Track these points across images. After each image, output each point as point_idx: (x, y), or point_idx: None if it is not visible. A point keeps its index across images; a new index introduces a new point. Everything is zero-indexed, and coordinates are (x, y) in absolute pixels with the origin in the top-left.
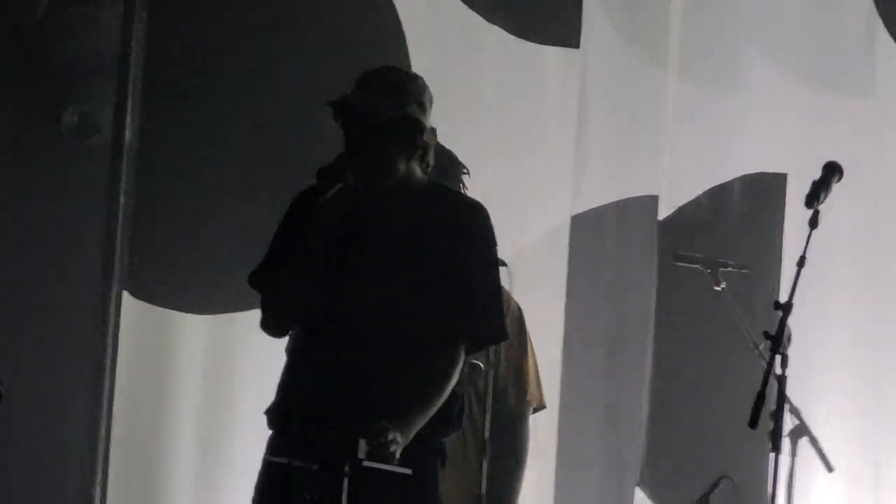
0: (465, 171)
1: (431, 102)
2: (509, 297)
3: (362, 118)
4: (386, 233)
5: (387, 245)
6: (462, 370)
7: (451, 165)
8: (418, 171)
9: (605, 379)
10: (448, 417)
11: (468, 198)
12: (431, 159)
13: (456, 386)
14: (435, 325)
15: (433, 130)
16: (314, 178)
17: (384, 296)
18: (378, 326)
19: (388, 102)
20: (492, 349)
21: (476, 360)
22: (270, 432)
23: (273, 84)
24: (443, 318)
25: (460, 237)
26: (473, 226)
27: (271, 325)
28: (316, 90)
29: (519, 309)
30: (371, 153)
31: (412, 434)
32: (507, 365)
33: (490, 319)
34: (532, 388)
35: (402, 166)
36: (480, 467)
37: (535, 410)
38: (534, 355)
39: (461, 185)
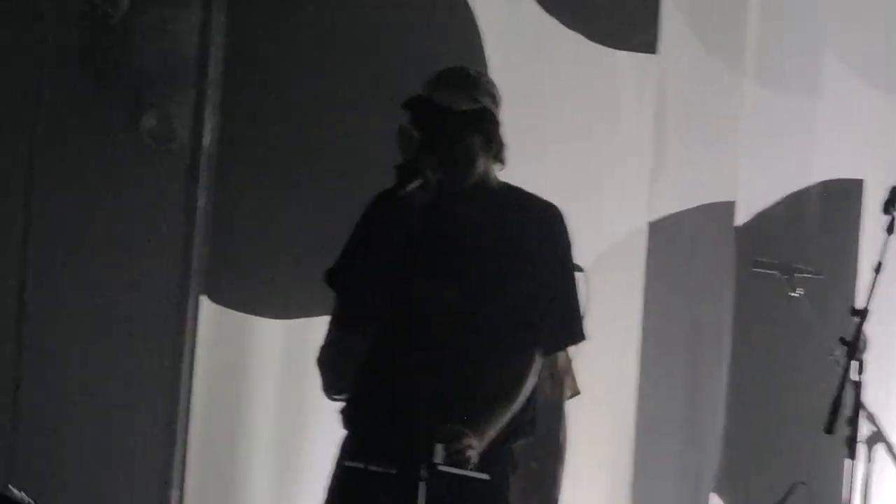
0: None
1: (501, 101)
2: None
3: (439, 111)
4: (463, 233)
5: (463, 246)
6: (539, 373)
7: None
8: (494, 171)
9: (682, 385)
10: (520, 423)
11: (544, 200)
12: (505, 158)
13: (531, 391)
14: (512, 328)
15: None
16: (393, 175)
17: (461, 297)
18: (454, 328)
19: (464, 95)
20: None
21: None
22: (344, 434)
23: (352, 87)
24: (520, 321)
25: (537, 239)
26: (550, 227)
27: (345, 323)
28: (395, 94)
29: None
30: (450, 147)
31: (489, 439)
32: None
33: (567, 321)
34: (566, 380)
35: (480, 162)
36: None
37: (569, 397)
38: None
39: None
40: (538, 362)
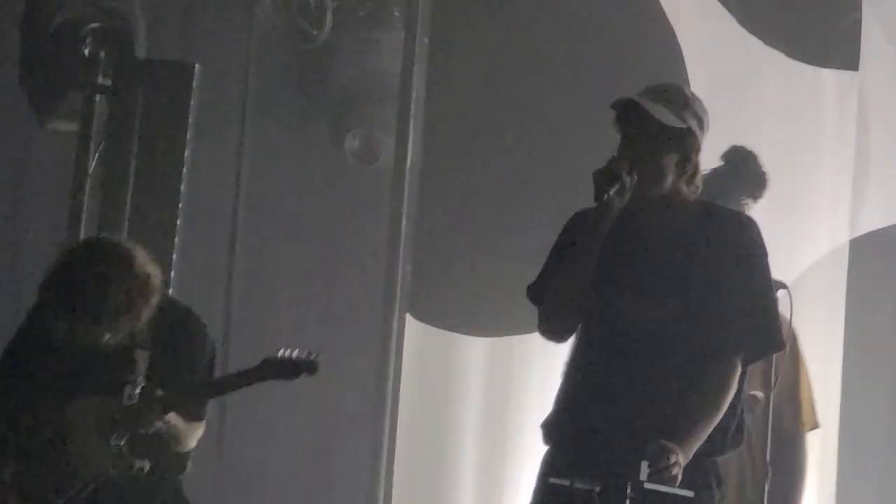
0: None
1: (708, 128)
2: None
3: (645, 121)
4: (658, 241)
5: (659, 254)
6: (741, 384)
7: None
8: (686, 191)
9: (886, 401)
10: (724, 435)
11: (739, 212)
12: (699, 183)
13: (734, 401)
14: (710, 337)
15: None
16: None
17: (658, 307)
18: (653, 338)
19: (673, 112)
20: (771, 374)
21: (754, 391)
22: (546, 450)
23: (554, 103)
24: (718, 329)
25: (734, 249)
26: (746, 238)
27: (550, 331)
28: (597, 109)
29: (793, 331)
30: (647, 157)
31: (693, 452)
32: (782, 388)
33: (766, 329)
34: (807, 411)
35: (670, 179)
36: (762, 490)
37: (809, 429)
38: (808, 377)
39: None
40: (739, 370)
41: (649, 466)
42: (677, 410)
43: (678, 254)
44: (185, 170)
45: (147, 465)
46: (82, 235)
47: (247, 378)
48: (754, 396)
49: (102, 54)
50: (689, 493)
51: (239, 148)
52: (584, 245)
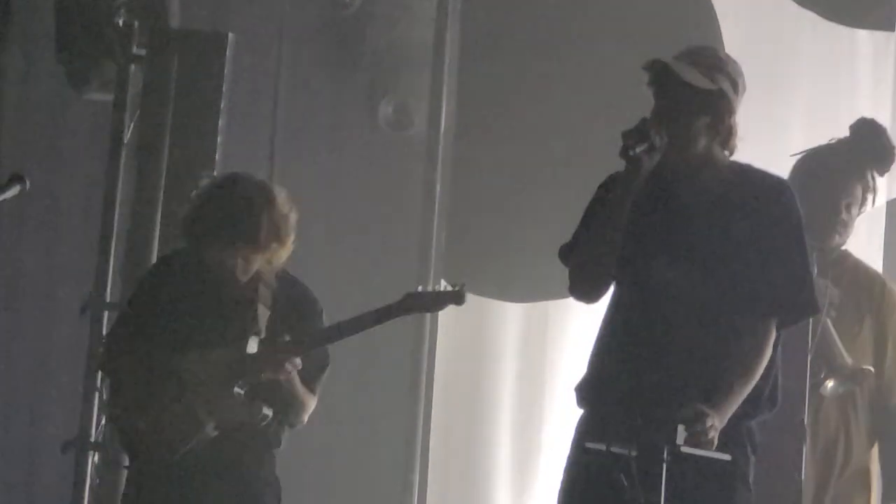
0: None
1: (744, 90)
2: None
3: (678, 84)
4: (691, 204)
5: (692, 217)
6: (775, 348)
7: None
8: (718, 153)
9: None
10: (758, 398)
11: (773, 174)
12: (735, 146)
13: (768, 365)
14: (745, 301)
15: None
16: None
17: (692, 269)
18: (687, 301)
19: (706, 74)
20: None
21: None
22: (580, 414)
23: (588, 69)
24: (753, 293)
25: (768, 212)
26: (780, 201)
27: (579, 290)
28: (631, 74)
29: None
30: (677, 119)
31: (728, 416)
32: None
33: (801, 293)
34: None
35: (702, 142)
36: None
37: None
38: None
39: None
40: (773, 335)
41: (686, 430)
42: (712, 374)
43: (711, 217)
44: (219, 139)
45: (271, 412)
46: (118, 204)
47: (383, 314)
48: (866, 370)
49: (136, 24)
50: (727, 457)
51: (272, 116)
52: (612, 203)
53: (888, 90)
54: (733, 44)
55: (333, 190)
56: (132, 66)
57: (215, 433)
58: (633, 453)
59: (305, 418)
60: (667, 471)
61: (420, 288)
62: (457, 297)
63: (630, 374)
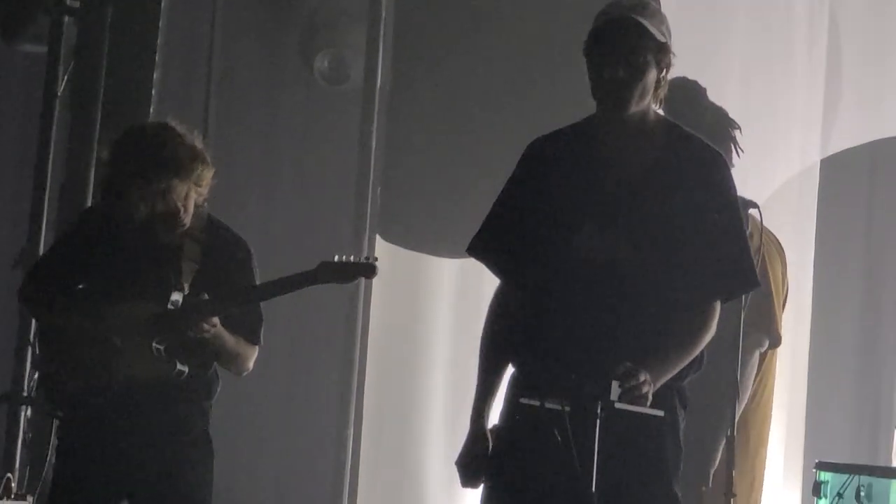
0: (736, 127)
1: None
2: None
3: (639, 34)
4: (627, 174)
5: (628, 185)
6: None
7: (722, 122)
8: (654, 108)
9: (857, 320)
10: (691, 361)
11: (708, 144)
12: (664, 96)
13: None
14: (686, 276)
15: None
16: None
17: (628, 240)
18: (624, 273)
19: (654, 25)
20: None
21: None
22: (512, 373)
23: (524, 20)
24: (693, 270)
25: (704, 185)
26: (717, 174)
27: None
28: (569, 29)
29: (762, 251)
30: (636, 77)
31: (662, 380)
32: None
33: (742, 269)
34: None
35: (650, 95)
36: (731, 410)
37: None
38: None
39: (733, 141)
40: (717, 312)
41: (620, 386)
42: (650, 342)
43: (649, 183)
44: (154, 91)
45: (186, 369)
46: (52, 156)
47: (301, 280)
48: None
49: None
50: (660, 413)
51: (208, 69)
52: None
53: (823, 48)
54: (669, 4)
55: (269, 143)
56: (66, 18)
57: (129, 386)
58: (567, 408)
59: (250, 365)
60: (600, 426)
61: (336, 258)
62: (368, 270)
63: (565, 337)
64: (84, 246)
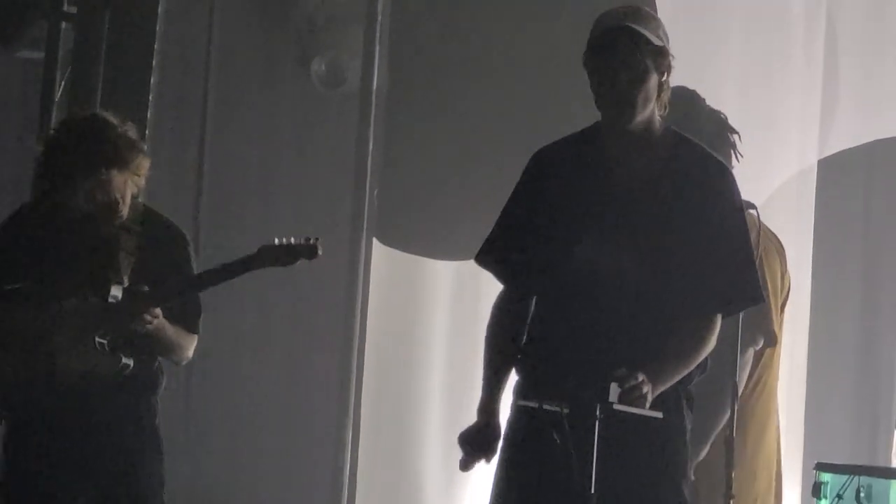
0: (735, 132)
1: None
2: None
3: (634, 46)
4: (631, 184)
5: (631, 197)
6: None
7: (721, 129)
8: (658, 115)
9: (856, 322)
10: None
11: (712, 154)
12: (667, 103)
13: None
14: (689, 287)
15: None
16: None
17: (631, 252)
18: (626, 281)
19: (651, 31)
20: None
21: None
22: (517, 380)
23: (523, 26)
24: (698, 282)
25: (710, 197)
26: (722, 185)
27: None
28: (566, 34)
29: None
30: (637, 83)
31: (663, 387)
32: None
33: (746, 284)
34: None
35: (653, 102)
36: (731, 409)
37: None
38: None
39: (733, 147)
40: (718, 326)
41: (619, 388)
42: (650, 348)
43: (652, 194)
44: (151, 97)
45: (131, 362)
46: None
47: (241, 266)
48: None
49: None
50: (658, 414)
51: (205, 74)
52: (546, 193)
53: (820, 50)
54: (666, 4)
55: (266, 147)
56: (63, 24)
57: (78, 383)
58: (566, 410)
59: (189, 354)
60: (601, 428)
61: (276, 241)
62: (309, 251)
63: (564, 337)
64: (17, 246)
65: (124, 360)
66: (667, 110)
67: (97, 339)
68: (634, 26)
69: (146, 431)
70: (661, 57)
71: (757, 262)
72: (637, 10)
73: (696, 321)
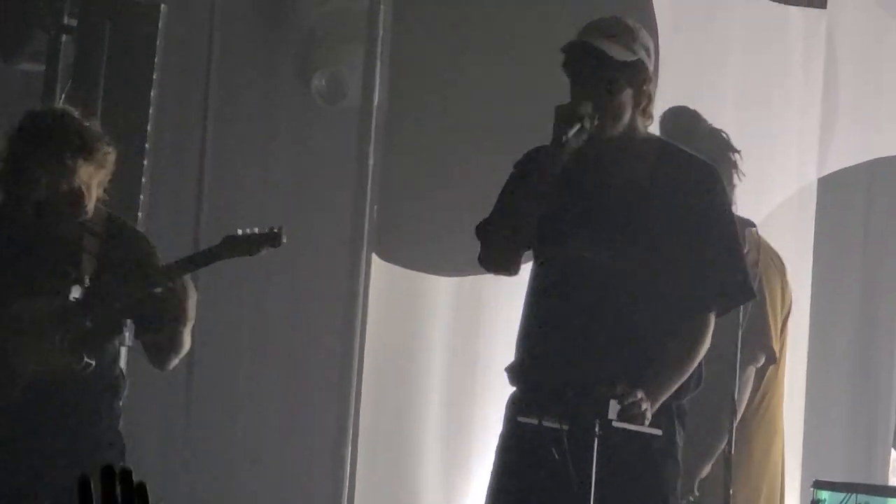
0: (736, 151)
1: (657, 55)
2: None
3: (600, 60)
4: (615, 184)
5: (615, 199)
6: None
7: (723, 148)
8: (641, 125)
9: (854, 341)
10: (687, 380)
11: (700, 156)
12: (652, 113)
13: None
14: (680, 289)
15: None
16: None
17: (619, 254)
18: (608, 284)
19: (621, 45)
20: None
21: None
22: (512, 392)
23: (523, 43)
24: (688, 283)
25: (699, 198)
26: (711, 186)
27: (487, 260)
28: (560, 49)
29: (758, 270)
30: (605, 96)
31: (662, 399)
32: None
33: (737, 281)
34: (771, 344)
35: (628, 114)
36: (729, 427)
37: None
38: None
39: (734, 165)
40: (712, 325)
41: (617, 404)
42: (648, 359)
43: (635, 201)
44: (151, 110)
45: (93, 362)
46: None
47: (205, 257)
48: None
49: None
50: (658, 432)
51: (205, 88)
52: (532, 183)
53: (819, 67)
54: (666, 21)
55: (266, 162)
56: (64, 37)
57: (36, 384)
58: (565, 427)
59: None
60: (598, 445)
61: (240, 231)
62: (273, 239)
63: (561, 353)
64: None
65: (86, 359)
66: (652, 120)
67: (58, 338)
68: (596, 44)
69: (108, 434)
70: (632, 70)
71: (756, 278)
72: (615, 22)
73: (689, 322)
